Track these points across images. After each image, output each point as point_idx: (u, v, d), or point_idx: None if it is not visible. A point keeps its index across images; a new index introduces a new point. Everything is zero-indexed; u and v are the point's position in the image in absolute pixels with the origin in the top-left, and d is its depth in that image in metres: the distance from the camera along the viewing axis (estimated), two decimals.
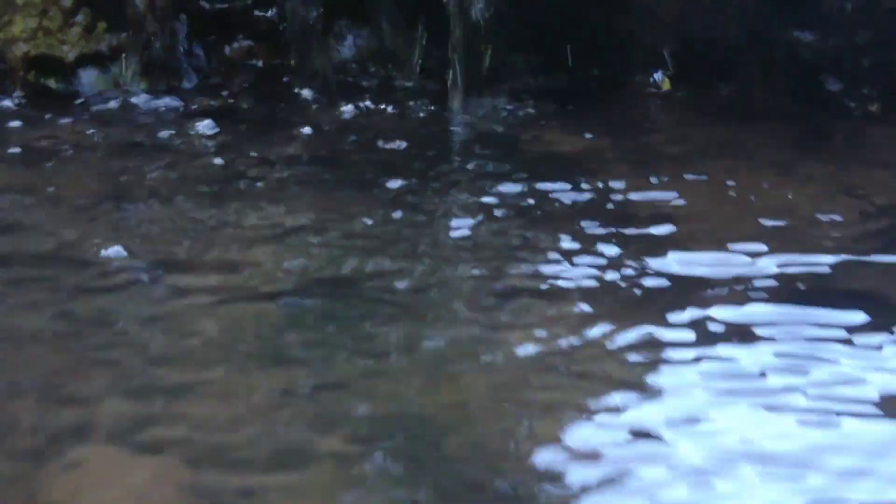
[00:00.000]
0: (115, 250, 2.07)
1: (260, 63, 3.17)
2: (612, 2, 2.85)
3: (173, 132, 2.75)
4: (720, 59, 2.92)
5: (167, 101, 2.92)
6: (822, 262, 2.09)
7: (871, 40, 2.78)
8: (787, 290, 1.99)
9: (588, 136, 2.76)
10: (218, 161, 2.58)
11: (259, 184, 2.46)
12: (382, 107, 2.94)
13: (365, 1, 3.05)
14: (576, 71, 3.03)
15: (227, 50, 3.16)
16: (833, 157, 2.67)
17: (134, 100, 2.95)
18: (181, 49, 3.06)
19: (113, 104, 2.93)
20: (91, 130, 2.76)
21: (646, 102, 2.99)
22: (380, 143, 2.69)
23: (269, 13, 3.15)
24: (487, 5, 2.82)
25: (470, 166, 2.57)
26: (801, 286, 2.01)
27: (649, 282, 2.02)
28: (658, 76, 3.00)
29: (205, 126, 2.73)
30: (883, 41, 2.78)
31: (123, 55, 2.97)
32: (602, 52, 3.01)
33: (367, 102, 2.95)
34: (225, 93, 3.01)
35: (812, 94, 2.89)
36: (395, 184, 2.44)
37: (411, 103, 2.96)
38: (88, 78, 2.98)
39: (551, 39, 2.96)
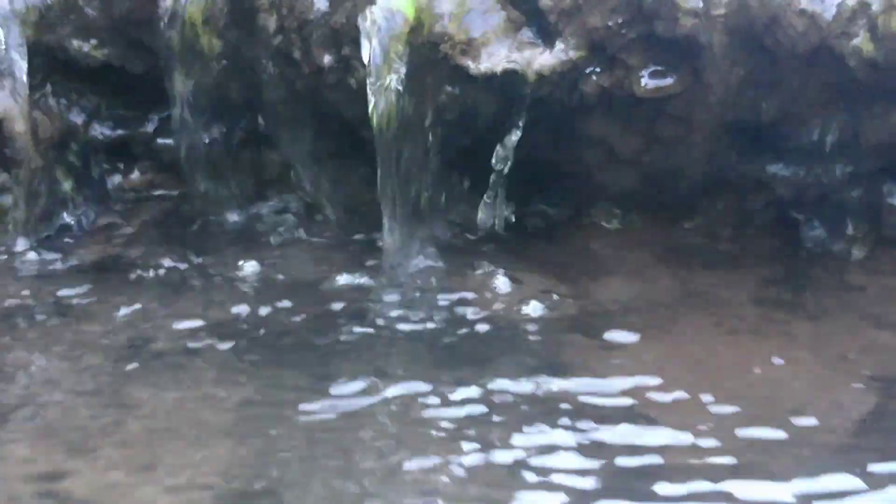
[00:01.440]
0: None
1: (163, 193, 2.79)
2: (563, 135, 2.49)
3: (55, 294, 2.35)
4: (683, 194, 2.58)
5: (52, 253, 2.52)
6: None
7: (853, 176, 2.44)
8: None
9: (539, 292, 2.40)
10: (107, 332, 2.19)
11: (157, 362, 2.08)
12: (296, 257, 2.55)
13: (279, 128, 2.67)
14: (523, 206, 2.67)
15: (126, 183, 2.78)
16: (813, 312, 2.34)
17: (13, 252, 2.54)
18: (72, 185, 2.67)
19: None
20: None
21: (598, 241, 2.63)
22: (293, 312, 2.32)
23: (173, 140, 2.77)
24: (423, 137, 2.46)
25: (394, 353, 2.19)
26: None
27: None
28: (613, 210, 2.65)
29: (91, 288, 2.34)
30: (866, 177, 2.45)
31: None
32: (552, 187, 2.65)
33: (276, 255, 2.57)
34: (122, 236, 2.62)
35: (787, 233, 2.55)
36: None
37: (332, 252, 2.58)
38: None
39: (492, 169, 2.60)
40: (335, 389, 2.04)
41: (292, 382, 2.06)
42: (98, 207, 2.70)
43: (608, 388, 2.03)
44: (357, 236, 2.63)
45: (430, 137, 2.49)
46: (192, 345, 2.18)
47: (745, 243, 2.58)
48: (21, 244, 2.53)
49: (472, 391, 2.03)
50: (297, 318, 2.30)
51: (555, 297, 2.39)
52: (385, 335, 2.25)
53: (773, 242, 2.56)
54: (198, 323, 2.26)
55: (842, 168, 2.44)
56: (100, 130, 2.75)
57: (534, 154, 2.54)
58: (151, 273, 2.45)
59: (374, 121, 2.40)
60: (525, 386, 2.04)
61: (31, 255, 2.51)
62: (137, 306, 2.33)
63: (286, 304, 2.34)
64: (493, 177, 2.53)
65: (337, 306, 2.35)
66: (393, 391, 2.03)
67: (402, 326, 2.29)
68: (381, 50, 2.37)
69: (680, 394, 2.01)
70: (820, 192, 2.48)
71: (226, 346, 2.18)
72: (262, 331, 2.25)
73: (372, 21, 2.37)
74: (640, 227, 2.64)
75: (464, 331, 2.27)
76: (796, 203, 2.51)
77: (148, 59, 2.67)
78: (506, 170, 2.50)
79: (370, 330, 2.26)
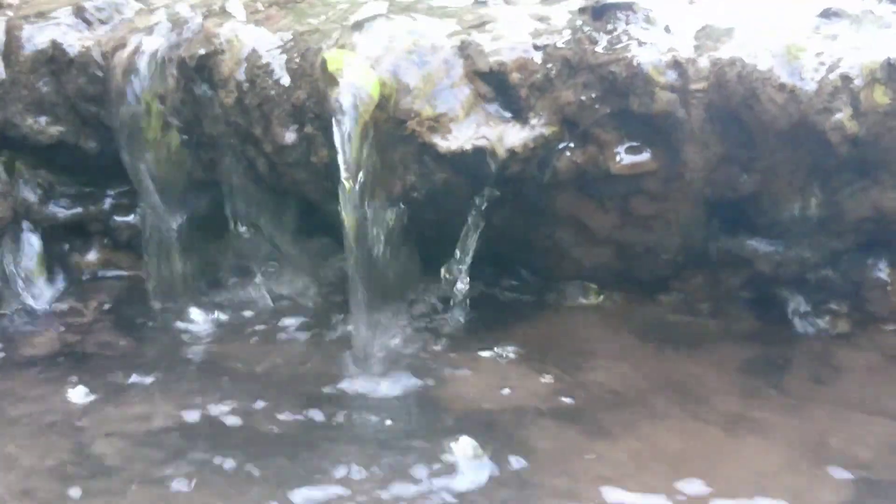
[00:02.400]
0: None
1: (121, 273, 2.68)
2: (535, 211, 2.40)
3: None
4: (660, 269, 2.49)
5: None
6: None
7: (835, 251, 2.36)
8: None
9: (512, 377, 2.31)
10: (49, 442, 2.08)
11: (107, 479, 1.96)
12: (262, 345, 2.45)
13: (242, 206, 2.57)
14: (495, 283, 2.58)
15: (82, 262, 2.66)
16: (798, 396, 2.25)
17: None
18: (25, 267, 2.56)
19: None
20: None
21: (575, 318, 2.54)
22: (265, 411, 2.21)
23: (131, 218, 2.67)
24: (391, 216, 2.36)
25: (363, 451, 2.09)
26: None
27: None
28: (586, 287, 2.55)
29: (38, 383, 2.22)
30: (848, 252, 2.37)
31: None
32: (525, 263, 2.56)
33: (240, 342, 2.46)
34: (78, 324, 2.50)
35: (768, 309, 2.47)
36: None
37: (308, 330, 2.47)
38: None
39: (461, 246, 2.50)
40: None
41: (258, 490, 1.95)
42: (53, 289, 2.58)
43: (580, 492, 1.94)
44: (327, 317, 2.51)
45: (398, 216, 2.39)
46: (144, 452, 2.05)
47: (724, 320, 2.49)
48: None
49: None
50: (265, 418, 2.18)
51: (528, 384, 2.29)
52: (355, 430, 2.14)
53: (754, 319, 2.48)
54: (151, 425, 2.14)
55: (823, 243, 2.36)
56: (54, 208, 2.64)
57: (505, 230, 2.45)
58: (104, 366, 2.32)
59: (341, 201, 2.30)
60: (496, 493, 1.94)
61: None
62: (87, 403, 2.20)
63: (260, 403, 2.22)
64: (462, 254, 2.43)
65: (304, 400, 2.24)
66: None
67: (371, 418, 2.19)
68: (347, 128, 2.27)
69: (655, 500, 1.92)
70: (801, 268, 2.40)
71: (177, 452, 2.06)
72: (226, 432, 2.13)
73: (336, 98, 2.28)
74: (616, 304, 2.56)
75: (433, 420, 2.17)
76: (777, 279, 2.43)
77: (103, 135, 2.57)
78: (473, 248, 2.40)
79: (341, 423, 2.16)
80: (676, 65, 2.22)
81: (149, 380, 2.29)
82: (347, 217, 2.31)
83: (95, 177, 2.66)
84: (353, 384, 2.31)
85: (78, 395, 2.22)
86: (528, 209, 2.42)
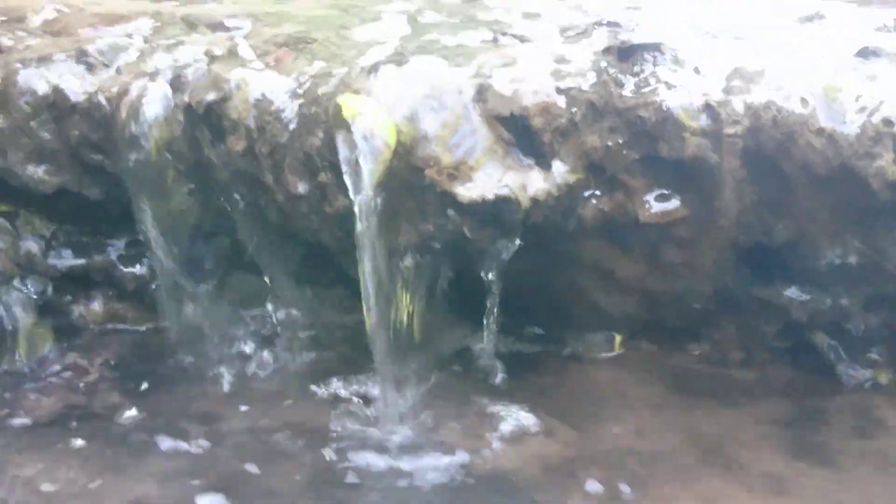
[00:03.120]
0: None
1: (127, 327, 2.58)
2: (559, 259, 2.29)
3: None
4: (690, 317, 2.38)
5: (4, 407, 2.30)
6: None
7: (874, 299, 2.26)
8: None
9: (534, 436, 2.20)
10: None
11: None
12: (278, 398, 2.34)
13: (255, 253, 2.46)
14: (517, 332, 2.47)
15: (86, 314, 2.56)
16: (839, 453, 2.13)
17: None
18: (28, 321, 2.45)
19: None
20: None
21: (599, 369, 2.43)
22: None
23: (138, 268, 2.57)
24: (410, 267, 2.26)
25: None
26: None
27: None
28: (611, 337, 2.45)
29: (39, 453, 2.11)
30: (889, 299, 2.26)
31: None
32: (547, 310, 2.45)
33: (256, 397, 2.35)
34: (83, 383, 2.39)
35: (805, 358, 2.36)
36: None
37: (313, 391, 2.37)
38: None
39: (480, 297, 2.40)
40: None
41: None
42: (57, 345, 2.47)
43: None
44: (342, 371, 2.40)
45: (416, 266, 2.28)
46: None
47: (758, 370, 2.39)
48: None
49: None
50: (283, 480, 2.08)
51: (551, 443, 2.20)
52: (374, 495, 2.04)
53: (789, 369, 2.37)
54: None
55: (862, 291, 2.26)
56: (57, 259, 2.53)
57: (527, 278, 2.35)
58: (113, 431, 2.21)
59: (357, 251, 2.19)
60: None
61: None
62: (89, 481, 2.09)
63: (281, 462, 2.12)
64: (487, 304, 2.32)
65: (323, 459, 2.13)
66: None
67: (392, 482, 2.08)
68: (362, 176, 2.17)
69: None
70: (839, 316, 2.29)
71: None
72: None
73: (351, 145, 2.17)
74: (642, 354, 2.45)
75: (452, 479, 2.07)
76: (813, 327, 2.32)
77: (107, 183, 2.47)
78: (496, 300, 2.29)
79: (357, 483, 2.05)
80: (708, 108, 2.12)
81: (163, 446, 2.18)
82: (364, 268, 2.21)
83: (99, 226, 2.56)
84: (373, 440, 2.20)
85: (83, 467, 2.10)
86: (551, 257, 2.31)
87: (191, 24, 2.72)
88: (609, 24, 2.47)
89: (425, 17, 2.75)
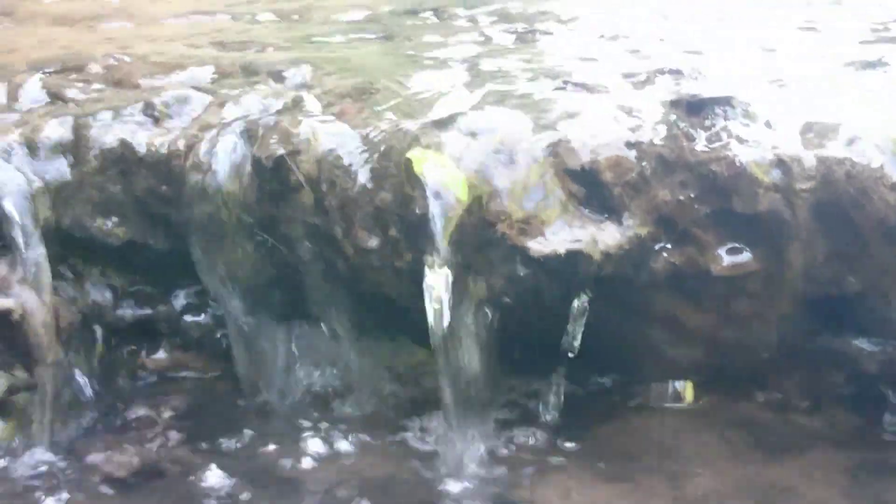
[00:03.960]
0: None
1: (191, 375, 2.59)
2: (627, 310, 2.30)
3: None
4: (756, 366, 2.39)
5: (74, 462, 2.30)
6: None
7: None
8: None
9: (598, 487, 2.21)
10: None
11: None
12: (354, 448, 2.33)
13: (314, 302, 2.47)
14: (582, 383, 2.47)
15: (150, 364, 2.57)
16: None
17: (33, 461, 2.31)
18: (94, 373, 2.47)
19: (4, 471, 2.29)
20: None
21: (665, 419, 2.43)
22: None
23: (202, 318, 2.58)
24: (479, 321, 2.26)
25: None
26: None
27: None
28: (679, 385, 2.45)
29: None
30: None
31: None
32: (613, 360, 2.46)
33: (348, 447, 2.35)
34: (154, 435, 2.40)
35: (873, 409, 2.36)
36: None
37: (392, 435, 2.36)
38: None
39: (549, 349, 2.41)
40: None
41: None
42: (124, 397, 2.48)
43: None
44: (408, 422, 2.41)
45: (486, 319, 2.29)
46: None
47: (825, 419, 2.39)
48: (40, 450, 2.30)
49: None
50: None
51: (615, 493, 2.19)
52: None
53: (857, 418, 2.37)
54: None
55: None
56: (123, 310, 2.54)
57: (593, 329, 2.35)
58: (187, 491, 2.22)
59: (427, 305, 2.20)
60: None
61: (51, 464, 2.28)
62: None
63: None
64: (555, 355, 2.33)
65: None
66: None
67: None
68: (434, 231, 2.18)
69: None
70: None
71: None
72: None
73: (423, 201, 2.19)
74: (707, 403, 2.45)
75: None
76: (884, 377, 2.32)
77: (172, 235, 2.48)
78: (573, 353, 2.30)
79: None
80: (780, 163, 2.13)
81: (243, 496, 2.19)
82: (435, 321, 2.22)
83: (164, 276, 2.57)
84: (436, 490, 2.21)
85: None
86: (621, 308, 2.32)
87: (250, 73, 2.74)
88: (671, 71, 2.48)
89: (483, 64, 2.76)
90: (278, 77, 2.69)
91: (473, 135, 2.27)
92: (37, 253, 2.36)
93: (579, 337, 2.24)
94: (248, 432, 2.41)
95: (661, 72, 2.51)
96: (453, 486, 2.22)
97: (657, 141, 2.20)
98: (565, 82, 2.50)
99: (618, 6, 3.46)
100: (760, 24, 3.10)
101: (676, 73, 2.49)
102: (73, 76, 2.73)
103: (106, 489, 2.22)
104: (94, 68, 2.77)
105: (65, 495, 2.20)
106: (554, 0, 3.65)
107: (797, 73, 2.44)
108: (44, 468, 2.28)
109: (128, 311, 2.56)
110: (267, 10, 3.62)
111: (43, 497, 2.18)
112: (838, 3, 3.43)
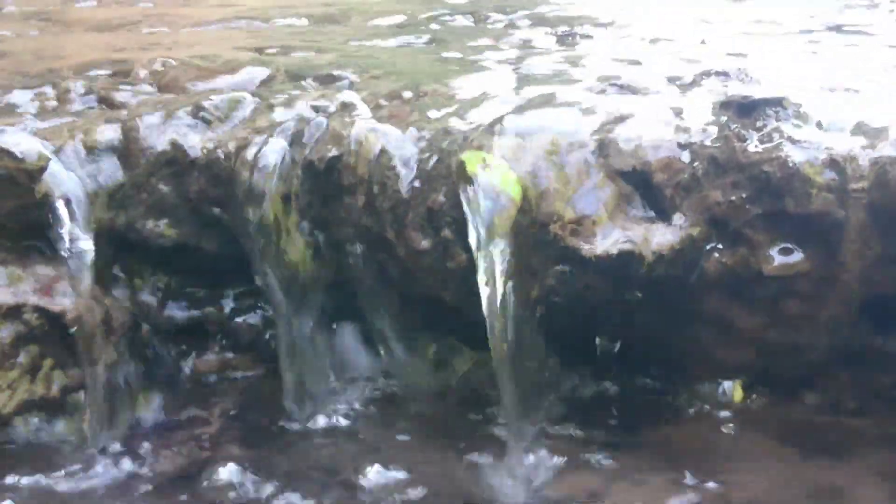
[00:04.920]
0: None
1: (241, 375, 2.60)
2: (677, 311, 2.31)
3: None
4: (805, 368, 2.39)
5: (128, 462, 2.31)
6: None
7: None
8: None
9: (647, 486, 2.22)
10: None
11: None
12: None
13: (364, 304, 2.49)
14: (631, 382, 2.48)
15: (200, 365, 2.59)
16: None
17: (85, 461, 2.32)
18: (145, 374, 2.48)
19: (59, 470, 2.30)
20: None
21: (712, 419, 2.43)
22: None
23: (252, 319, 2.60)
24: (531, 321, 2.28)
25: None
26: None
27: None
28: (728, 385, 2.46)
29: None
30: None
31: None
32: (661, 361, 2.47)
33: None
34: (204, 435, 2.41)
35: None
36: None
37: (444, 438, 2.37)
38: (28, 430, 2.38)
39: (601, 345, 2.42)
40: None
41: None
42: (174, 397, 2.50)
43: None
44: (458, 422, 2.42)
45: (537, 319, 2.31)
46: None
47: (874, 420, 2.38)
48: (94, 450, 2.32)
49: None
50: None
51: (663, 494, 2.19)
52: None
53: None
54: None
55: None
56: (173, 311, 2.56)
57: (642, 329, 2.37)
58: (242, 487, 2.24)
59: (484, 308, 2.22)
60: None
61: (105, 465, 2.30)
62: None
63: None
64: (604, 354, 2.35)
65: None
66: None
67: None
68: (487, 232, 2.19)
69: None
70: None
71: None
72: None
73: (476, 202, 2.20)
74: (755, 404, 2.45)
75: None
76: None
77: (224, 236, 2.50)
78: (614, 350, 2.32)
79: None
80: (834, 164, 2.14)
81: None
82: (489, 322, 2.23)
83: (215, 278, 2.59)
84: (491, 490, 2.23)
85: None
86: (671, 308, 2.33)
87: (296, 77, 2.76)
88: (718, 73, 2.49)
89: (527, 67, 2.78)
90: (325, 80, 2.71)
91: (523, 136, 2.29)
92: (89, 255, 2.38)
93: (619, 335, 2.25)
94: (296, 433, 2.41)
95: (708, 74, 2.52)
96: (507, 485, 2.23)
97: (708, 142, 2.21)
98: (612, 84, 2.51)
99: (655, 10, 3.48)
100: (801, 29, 3.12)
101: (723, 75, 2.50)
102: (121, 80, 2.76)
103: (156, 489, 2.23)
104: (142, 73, 2.80)
105: (116, 494, 2.21)
106: (588, 4, 3.67)
107: (845, 76, 2.45)
108: (97, 468, 2.29)
109: (178, 313, 2.57)
110: (302, 14, 3.65)
111: (96, 495, 2.19)
112: (874, 5, 3.44)
